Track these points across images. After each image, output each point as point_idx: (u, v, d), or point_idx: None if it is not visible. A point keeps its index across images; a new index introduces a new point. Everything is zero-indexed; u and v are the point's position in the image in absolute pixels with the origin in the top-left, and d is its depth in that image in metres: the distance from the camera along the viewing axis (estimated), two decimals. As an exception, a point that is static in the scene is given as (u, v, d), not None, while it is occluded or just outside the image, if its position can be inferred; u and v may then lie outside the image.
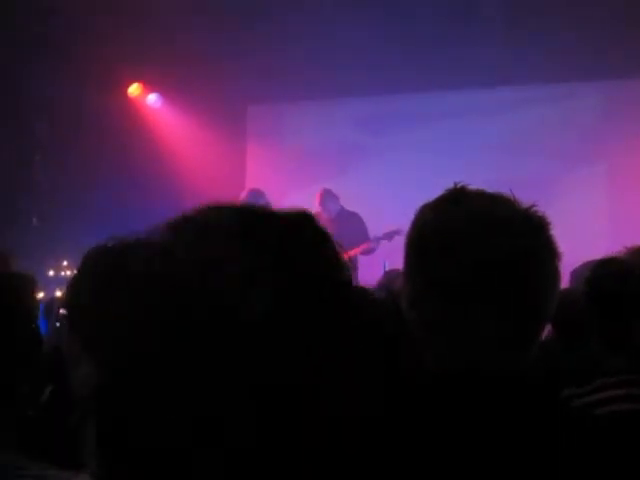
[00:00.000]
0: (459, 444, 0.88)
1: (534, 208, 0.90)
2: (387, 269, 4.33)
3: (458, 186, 0.91)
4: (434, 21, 5.12)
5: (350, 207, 6.01)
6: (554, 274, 0.88)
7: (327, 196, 5.65)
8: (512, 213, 0.88)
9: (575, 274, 3.00)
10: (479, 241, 0.85)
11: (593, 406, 1.36)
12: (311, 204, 6.33)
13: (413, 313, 0.92)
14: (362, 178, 6.42)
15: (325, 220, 5.67)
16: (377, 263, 5.26)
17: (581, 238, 5.46)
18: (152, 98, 6.52)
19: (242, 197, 5.49)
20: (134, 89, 6.41)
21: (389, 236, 5.39)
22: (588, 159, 5.94)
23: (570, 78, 5.85)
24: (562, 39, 5.09)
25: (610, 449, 0.88)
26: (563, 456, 0.87)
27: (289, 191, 6.54)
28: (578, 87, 5.98)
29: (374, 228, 5.85)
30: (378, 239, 5.56)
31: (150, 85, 6.44)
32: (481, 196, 0.90)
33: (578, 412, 1.06)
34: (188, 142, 6.53)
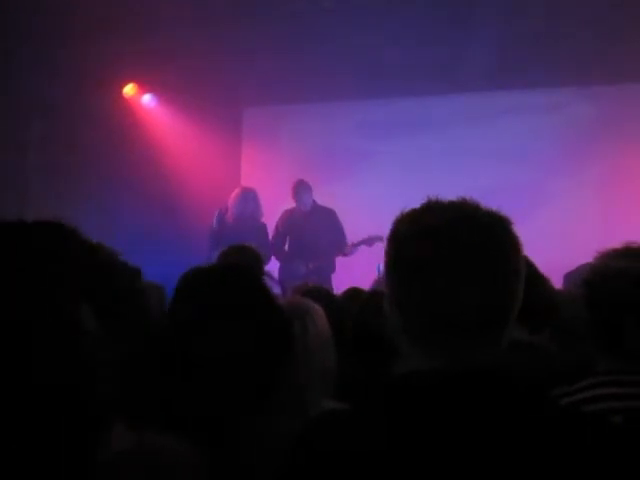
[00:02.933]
0: (447, 443, 0.91)
1: (495, 209, 1.01)
2: (381, 273, 4.30)
3: (432, 199, 1.02)
4: (431, 26, 5.13)
5: (345, 210, 6.00)
6: (516, 263, 0.98)
7: (300, 187, 5.52)
8: (477, 212, 0.99)
9: (569, 277, 3.02)
10: (446, 236, 0.96)
11: (581, 404, 1.38)
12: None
13: (394, 314, 1.01)
14: (357, 182, 6.43)
15: (299, 213, 5.59)
16: (371, 266, 5.26)
17: (573, 242, 5.49)
18: (147, 98, 6.50)
19: (234, 196, 5.48)
20: (129, 89, 6.40)
21: (368, 242, 5.28)
22: (580, 164, 5.97)
23: (563, 84, 5.89)
24: (556, 45, 5.12)
25: (595, 445, 0.91)
26: (550, 453, 0.90)
27: (284, 193, 6.53)
28: (570, 93, 6.02)
29: (370, 232, 5.85)
30: (355, 245, 5.45)
31: (145, 85, 6.43)
32: (450, 203, 1.01)
33: (565, 409, 1.09)
34: (183, 143, 6.52)
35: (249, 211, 5.38)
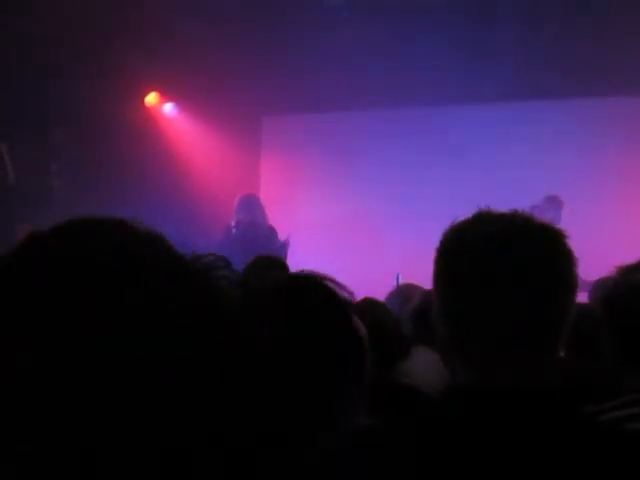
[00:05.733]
0: (489, 458, 0.88)
1: (548, 222, 0.98)
2: (400, 282, 4.29)
3: (482, 210, 0.99)
4: (448, 37, 5.13)
5: (364, 218, 5.98)
6: (569, 279, 0.94)
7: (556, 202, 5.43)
8: (529, 225, 0.96)
9: (592, 289, 2.96)
10: (497, 249, 0.92)
11: (617, 423, 1.33)
12: (321, 212, 6.33)
13: (443, 327, 0.98)
14: (377, 190, 6.41)
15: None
16: (389, 275, 5.24)
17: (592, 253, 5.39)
18: (168, 107, 6.56)
19: (236, 204, 5.46)
20: (151, 98, 6.46)
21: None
22: (596, 173, 5.89)
23: (572, 94, 5.85)
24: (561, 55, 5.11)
25: (637, 465, 0.88)
26: (591, 471, 0.87)
27: (302, 200, 6.54)
28: (578, 103, 5.97)
29: (384, 238, 5.82)
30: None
31: (167, 94, 6.49)
32: (501, 215, 0.98)
33: (606, 427, 1.05)
34: (203, 151, 6.57)
35: (255, 216, 5.36)
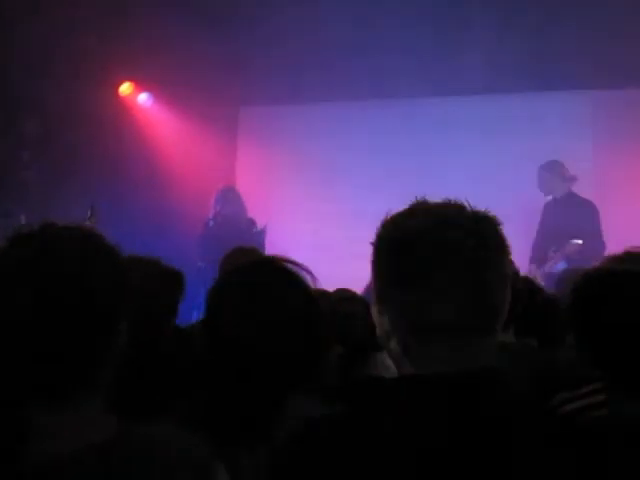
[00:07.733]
0: (442, 451, 0.88)
1: (485, 210, 0.98)
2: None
3: (417, 201, 1.00)
4: (432, 26, 5.13)
5: (341, 213, 5.97)
6: (502, 266, 0.95)
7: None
8: (461, 214, 0.96)
9: (560, 281, 3.03)
10: (429, 241, 0.93)
11: (587, 410, 1.36)
12: (299, 206, 6.32)
13: (380, 320, 0.99)
14: (355, 183, 6.41)
15: (551, 203, 5.24)
16: (367, 269, 5.24)
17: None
18: (143, 97, 6.49)
19: (214, 197, 5.45)
20: (125, 88, 6.38)
21: None
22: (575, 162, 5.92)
23: (561, 87, 5.89)
24: (559, 48, 5.15)
25: (593, 456, 0.89)
26: (540, 460, 0.87)
27: (278, 193, 6.52)
28: (566, 95, 6.02)
29: (364, 232, 5.82)
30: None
31: (141, 84, 6.41)
32: (435, 206, 0.98)
33: (561, 418, 1.06)
34: (178, 142, 6.51)
35: (233, 209, 5.35)
